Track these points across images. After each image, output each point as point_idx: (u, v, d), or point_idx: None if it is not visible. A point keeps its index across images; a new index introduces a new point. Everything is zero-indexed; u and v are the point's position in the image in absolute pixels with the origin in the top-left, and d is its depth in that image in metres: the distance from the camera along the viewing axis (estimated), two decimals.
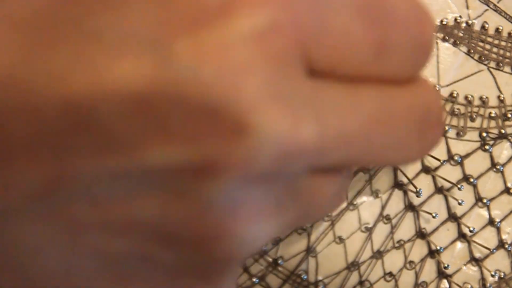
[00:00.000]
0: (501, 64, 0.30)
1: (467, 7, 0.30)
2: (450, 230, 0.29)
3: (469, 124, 0.29)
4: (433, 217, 0.29)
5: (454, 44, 0.29)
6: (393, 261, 0.29)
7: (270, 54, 0.13)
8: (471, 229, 0.29)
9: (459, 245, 0.29)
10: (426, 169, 0.28)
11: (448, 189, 0.29)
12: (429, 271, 0.29)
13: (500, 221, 0.29)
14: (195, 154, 0.13)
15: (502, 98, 0.30)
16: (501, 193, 0.29)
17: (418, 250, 0.29)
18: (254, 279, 0.27)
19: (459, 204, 0.29)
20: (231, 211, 0.13)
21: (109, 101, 0.13)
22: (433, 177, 0.29)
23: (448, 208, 0.29)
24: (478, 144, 0.29)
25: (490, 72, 0.30)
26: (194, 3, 0.13)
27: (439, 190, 0.29)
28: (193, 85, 0.13)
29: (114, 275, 0.15)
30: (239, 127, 0.13)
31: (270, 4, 0.13)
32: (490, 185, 0.29)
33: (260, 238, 0.14)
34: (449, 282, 0.29)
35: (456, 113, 0.29)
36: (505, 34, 0.30)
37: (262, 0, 0.13)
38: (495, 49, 0.29)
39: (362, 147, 0.15)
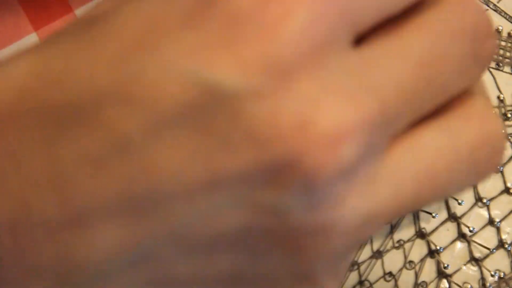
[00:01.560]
0: (501, 64, 0.30)
1: None
2: (450, 230, 0.29)
3: None
4: (433, 217, 0.29)
5: None
6: (393, 261, 0.29)
7: (319, 44, 0.13)
8: (471, 229, 0.29)
9: (459, 245, 0.29)
10: None
11: None
12: (429, 271, 0.29)
13: (500, 221, 0.29)
14: (273, 159, 0.13)
15: (502, 98, 0.30)
16: (501, 193, 0.29)
17: (418, 250, 0.29)
18: None
19: (459, 204, 0.29)
20: (324, 207, 0.14)
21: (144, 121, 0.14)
22: None
23: (448, 208, 0.29)
24: None
25: (490, 72, 0.30)
26: (227, 20, 0.13)
27: None
28: (243, 98, 0.13)
29: None
30: (303, 126, 0.13)
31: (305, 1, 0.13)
32: (490, 185, 0.29)
33: (357, 216, 0.14)
34: (449, 282, 0.28)
35: None
36: (505, 34, 0.30)
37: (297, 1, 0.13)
38: None
39: (423, 93, 0.15)
